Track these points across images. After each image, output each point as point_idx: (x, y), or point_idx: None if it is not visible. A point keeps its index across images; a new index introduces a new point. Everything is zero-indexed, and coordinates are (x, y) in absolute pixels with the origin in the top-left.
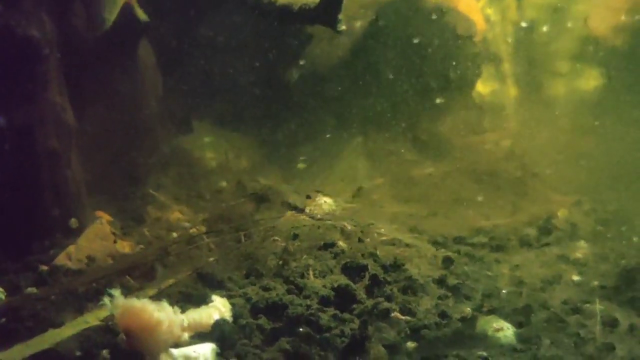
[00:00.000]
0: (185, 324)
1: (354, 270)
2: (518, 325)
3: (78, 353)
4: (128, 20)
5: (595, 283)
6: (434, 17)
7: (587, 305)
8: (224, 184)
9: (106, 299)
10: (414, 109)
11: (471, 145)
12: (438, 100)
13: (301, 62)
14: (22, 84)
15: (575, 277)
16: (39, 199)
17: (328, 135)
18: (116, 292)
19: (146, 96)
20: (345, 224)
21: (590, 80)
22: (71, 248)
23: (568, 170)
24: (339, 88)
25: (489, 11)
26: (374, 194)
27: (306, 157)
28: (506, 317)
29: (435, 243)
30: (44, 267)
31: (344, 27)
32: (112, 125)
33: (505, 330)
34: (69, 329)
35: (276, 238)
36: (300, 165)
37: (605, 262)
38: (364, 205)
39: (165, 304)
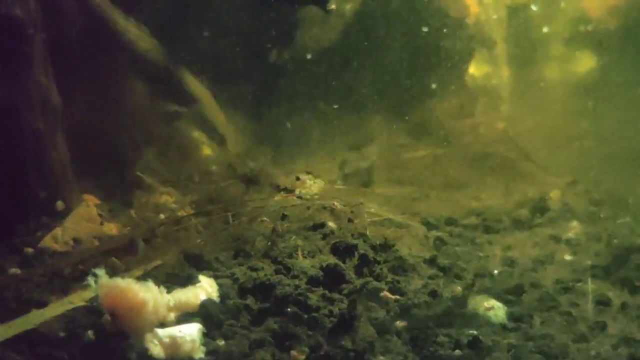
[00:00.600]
0: (171, 304)
1: (343, 250)
2: (509, 304)
3: (62, 334)
4: None
5: (588, 262)
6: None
7: (579, 284)
8: (213, 166)
9: (90, 280)
10: (405, 92)
11: (464, 127)
12: (430, 83)
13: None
14: (6, 64)
15: (568, 257)
16: (24, 181)
17: (318, 119)
18: (101, 273)
19: (132, 78)
20: (335, 203)
21: (584, 62)
22: (57, 230)
23: (561, 152)
24: (330, 71)
25: None
26: (365, 176)
27: (295, 140)
28: (497, 297)
29: (427, 224)
30: (29, 249)
31: (333, 7)
32: (99, 109)
33: (496, 309)
34: (53, 310)
35: (265, 219)
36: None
37: (597, 242)
38: (355, 187)
39: (150, 284)
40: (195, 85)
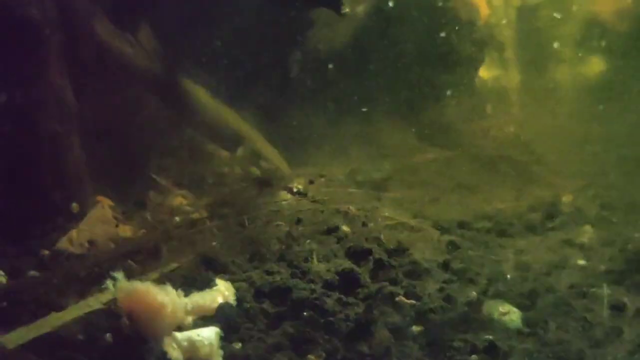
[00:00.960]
0: (189, 308)
1: (358, 255)
2: (524, 309)
3: (80, 337)
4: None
5: (602, 267)
6: (437, 2)
7: (594, 289)
8: (226, 169)
9: (109, 283)
10: (416, 95)
11: (474, 130)
12: (441, 86)
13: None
14: (22, 66)
15: (581, 262)
16: (39, 182)
17: (330, 121)
18: (119, 276)
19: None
20: (350, 207)
21: (595, 66)
22: (73, 232)
23: (572, 155)
24: (341, 73)
25: None
26: (377, 180)
27: (307, 142)
28: (512, 301)
29: (439, 228)
30: (46, 251)
31: (347, 10)
32: (113, 111)
33: (511, 314)
34: (71, 313)
35: (279, 222)
36: None
37: (611, 246)
38: (368, 190)
39: (168, 288)
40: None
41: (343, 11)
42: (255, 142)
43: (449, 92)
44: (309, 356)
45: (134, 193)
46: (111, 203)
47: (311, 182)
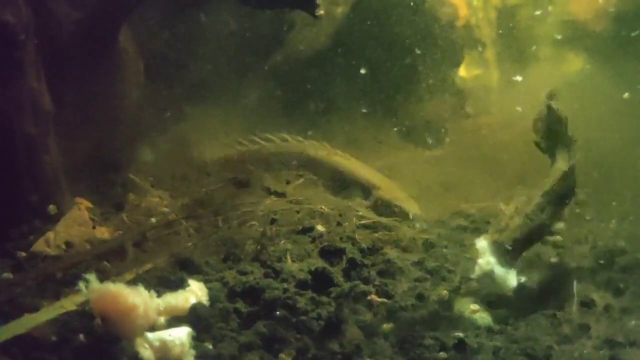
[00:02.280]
0: (161, 308)
1: (331, 254)
2: (495, 307)
3: (54, 338)
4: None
5: (572, 264)
6: (415, 1)
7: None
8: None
9: (82, 284)
10: (397, 95)
11: (454, 130)
12: (421, 86)
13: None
14: None
15: (553, 259)
16: (16, 185)
17: (311, 120)
18: (91, 277)
19: (127, 83)
20: (323, 207)
21: (572, 64)
22: (50, 234)
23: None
24: (321, 74)
25: None
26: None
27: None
28: (483, 300)
29: (416, 226)
30: (22, 253)
31: (322, 12)
32: (92, 114)
33: (481, 312)
34: (45, 314)
35: (254, 223)
36: None
37: (582, 244)
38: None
39: (141, 288)
40: None
41: (318, 14)
42: (385, 188)
43: (428, 92)
44: (281, 355)
45: (113, 195)
46: (89, 205)
47: (288, 182)
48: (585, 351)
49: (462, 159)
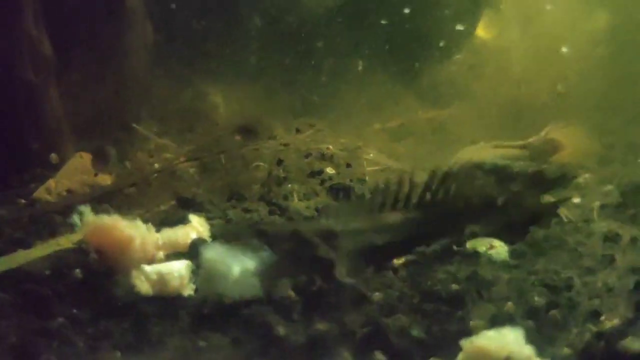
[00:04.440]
0: (160, 243)
1: (339, 192)
2: (512, 243)
3: (48, 272)
4: None
5: (597, 203)
6: None
7: (587, 224)
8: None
9: (76, 217)
10: (413, 54)
11: (474, 89)
12: (438, 45)
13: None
14: None
15: (576, 200)
16: (16, 133)
17: (325, 80)
18: (86, 210)
19: (134, 43)
20: (330, 147)
21: (594, 17)
22: (51, 182)
23: (575, 104)
24: (335, 32)
25: None
26: (370, 135)
27: (301, 100)
28: (499, 236)
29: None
30: (22, 201)
31: None
32: (100, 72)
33: (498, 248)
34: (40, 250)
35: (260, 164)
36: None
37: (607, 183)
38: (360, 142)
39: (138, 222)
40: None
41: None
42: None
43: (446, 51)
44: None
45: (118, 147)
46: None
47: (298, 130)
48: (609, 280)
49: (480, 117)
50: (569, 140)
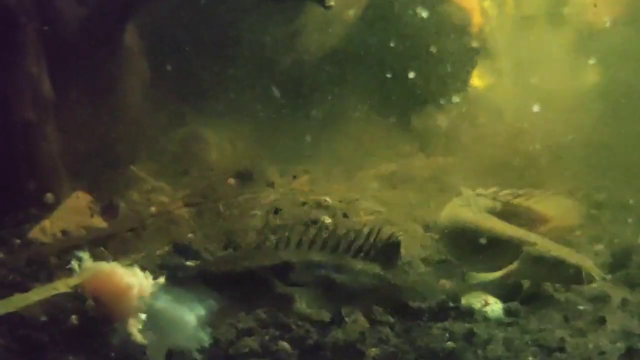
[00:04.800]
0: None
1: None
2: (506, 300)
3: (44, 318)
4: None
5: None
6: (428, 5)
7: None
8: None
9: (75, 263)
10: (408, 100)
11: (466, 137)
12: (433, 92)
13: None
14: None
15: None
16: (12, 172)
17: (320, 124)
18: (85, 256)
19: (130, 81)
20: (327, 198)
21: (587, 73)
22: (46, 222)
23: (564, 161)
24: (332, 77)
25: (487, 4)
26: (366, 182)
27: (298, 143)
28: (494, 293)
29: (424, 226)
30: (17, 240)
31: (332, 3)
32: (96, 109)
33: (492, 305)
34: (36, 294)
35: (256, 212)
36: None
37: (599, 242)
38: (355, 190)
39: (136, 269)
40: None
41: (328, 4)
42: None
43: (440, 98)
44: (280, 342)
45: (114, 187)
46: (89, 197)
47: (294, 177)
48: (601, 343)
49: (472, 164)
50: (554, 211)
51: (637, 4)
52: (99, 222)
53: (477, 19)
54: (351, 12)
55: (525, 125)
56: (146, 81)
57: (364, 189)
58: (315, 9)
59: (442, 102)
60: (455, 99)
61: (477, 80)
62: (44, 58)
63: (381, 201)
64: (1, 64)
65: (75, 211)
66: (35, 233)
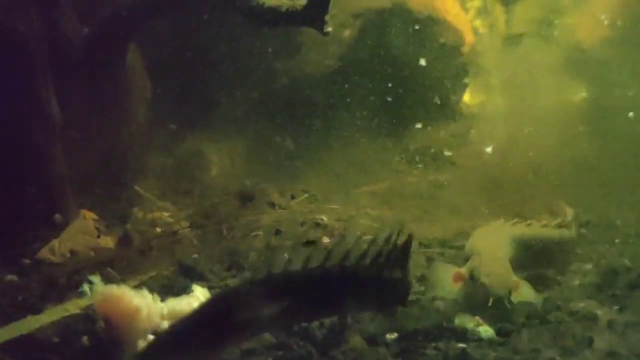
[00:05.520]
0: (165, 312)
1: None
2: (498, 320)
3: (56, 339)
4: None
5: (577, 282)
6: (421, 27)
7: (568, 303)
8: (211, 184)
9: (86, 286)
10: (402, 119)
11: (459, 155)
12: (427, 111)
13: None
14: (7, 78)
15: (558, 277)
16: (22, 193)
17: (316, 142)
18: (96, 280)
19: (132, 99)
20: (324, 217)
21: (577, 92)
22: (54, 242)
23: (555, 179)
24: (327, 96)
25: (478, 23)
26: (361, 200)
27: (295, 162)
28: (487, 313)
29: (419, 244)
30: (27, 260)
31: (330, 29)
32: (98, 127)
33: (484, 325)
34: (48, 316)
35: (258, 233)
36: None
37: (587, 262)
38: (351, 208)
39: (144, 292)
40: None
41: (326, 30)
42: None
43: (434, 117)
44: None
45: (118, 206)
46: (95, 217)
47: (292, 197)
48: None
49: (465, 182)
50: None
51: (625, 23)
52: (106, 242)
53: (469, 39)
54: (347, 33)
55: (515, 142)
56: (148, 99)
57: (360, 206)
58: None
59: (435, 119)
60: (448, 116)
61: (468, 97)
62: (51, 81)
63: (377, 219)
64: (11, 89)
65: (82, 231)
66: (44, 253)
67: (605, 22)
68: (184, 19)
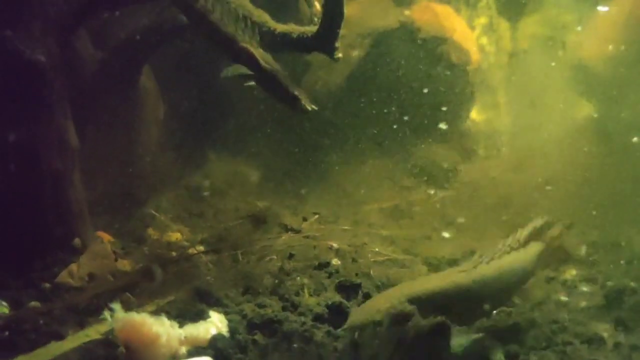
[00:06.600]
0: (183, 338)
1: (347, 289)
2: (506, 342)
3: None
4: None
5: (583, 304)
6: (429, 46)
7: (575, 324)
8: (223, 207)
9: (107, 313)
10: (410, 137)
11: (466, 172)
12: (434, 128)
13: None
14: (28, 107)
15: (564, 298)
16: (42, 218)
17: (325, 160)
18: (117, 307)
19: (146, 121)
20: (335, 244)
21: (581, 109)
22: (73, 266)
23: (561, 197)
24: (336, 115)
25: (484, 41)
26: (370, 218)
27: (304, 181)
28: (495, 336)
29: (428, 264)
30: (47, 284)
31: (340, 55)
32: (113, 150)
33: (494, 349)
34: (71, 342)
35: (272, 257)
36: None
37: (592, 283)
38: (361, 227)
39: (163, 319)
40: None
41: (336, 56)
42: None
43: (442, 134)
44: None
45: (133, 229)
46: (111, 239)
47: (304, 219)
48: None
49: (472, 199)
50: None
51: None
52: (123, 266)
53: (475, 57)
54: (355, 53)
55: (521, 160)
56: (161, 121)
57: (370, 225)
58: None
59: (442, 136)
60: (455, 133)
61: (475, 114)
62: (69, 108)
63: (387, 239)
64: (31, 118)
65: (100, 254)
66: (63, 277)
67: (610, 40)
68: (194, 42)
